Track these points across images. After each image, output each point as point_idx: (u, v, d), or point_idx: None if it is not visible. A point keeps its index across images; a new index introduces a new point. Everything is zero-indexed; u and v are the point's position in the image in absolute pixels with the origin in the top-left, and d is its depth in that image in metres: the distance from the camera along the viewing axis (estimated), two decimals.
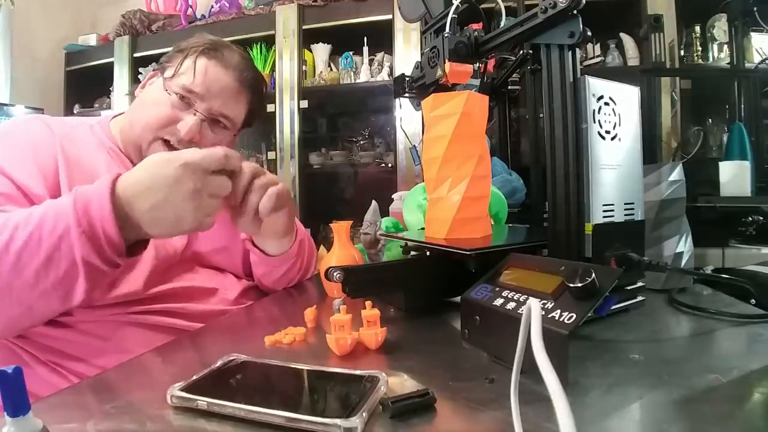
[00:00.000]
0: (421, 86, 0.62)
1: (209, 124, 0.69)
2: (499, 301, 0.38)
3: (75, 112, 2.52)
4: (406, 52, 1.93)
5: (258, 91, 0.75)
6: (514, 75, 0.77)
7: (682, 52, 1.78)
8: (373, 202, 0.80)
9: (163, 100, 0.67)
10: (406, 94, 0.66)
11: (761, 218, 1.31)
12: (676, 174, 0.62)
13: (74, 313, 0.55)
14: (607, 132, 0.47)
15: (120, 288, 0.58)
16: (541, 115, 0.51)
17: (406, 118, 1.83)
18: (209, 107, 0.68)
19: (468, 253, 0.47)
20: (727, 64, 1.75)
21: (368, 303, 0.42)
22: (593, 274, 0.33)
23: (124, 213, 0.45)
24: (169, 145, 0.67)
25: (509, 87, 0.83)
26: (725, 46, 1.77)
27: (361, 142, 2.22)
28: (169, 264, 0.65)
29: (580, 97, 0.46)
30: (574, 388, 0.32)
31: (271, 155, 2.13)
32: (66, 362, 0.55)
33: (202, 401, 0.30)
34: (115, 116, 0.74)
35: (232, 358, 0.37)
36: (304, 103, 2.06)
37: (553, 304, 0.34)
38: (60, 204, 0.45)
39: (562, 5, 0.44)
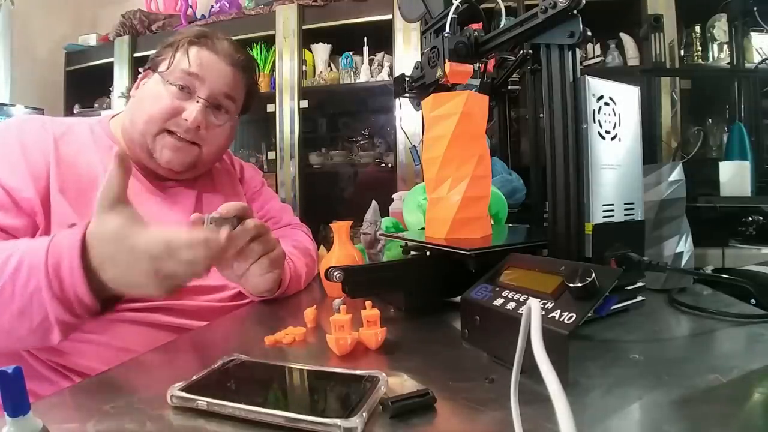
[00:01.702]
0: (421, 86, 0.62)
1: (212, 111, 0.70)
2: (499, 301, 0.38)
3: (75, 112, 2.52)
4: (406, 52, 1.93)
5: (252, 72, 0.77)
6: (514, 75, 0.77)
7: (682, 52, 1.78)
8: (373, 202, 0.80)
9: (163, 93, 0.67)
10: (406, 94, 0.66)
11: (761, 218, 1.31)
12: (676, 174, 0.62)
13: None
14: (607, 132, 0.47)
15: None
16: (541, 115, 0.51)
17: (406, 118, 1.82)
18: (211, 91, 0.69)
19: (468, 253, 0.47)
20: (727, 64, 1.74)
21: (368, 303, 0.42)
22: (593, 274, 0.33)
23: (94, 273, 0.43)
24: (174, 136, 0.67)
25: (509, 87, 0.83)
26: (725, 46, 1.76)
27: (361, 142, 2.22)
28: None
29: (580, 97, 0.46)
30: (574, 388, 0.32)
31: (271, 155, 2.13)
32: (66, 361, 0.55)
33: (202, 401, 0.30)
34: (114, 116, 0.75)
35: (232, 358, 0.37)
36: (304, 103, 2.06)
37: (553, 304, 0.34)
38: (34, 254, 0.43)
39: (562, 5, 0.44)
